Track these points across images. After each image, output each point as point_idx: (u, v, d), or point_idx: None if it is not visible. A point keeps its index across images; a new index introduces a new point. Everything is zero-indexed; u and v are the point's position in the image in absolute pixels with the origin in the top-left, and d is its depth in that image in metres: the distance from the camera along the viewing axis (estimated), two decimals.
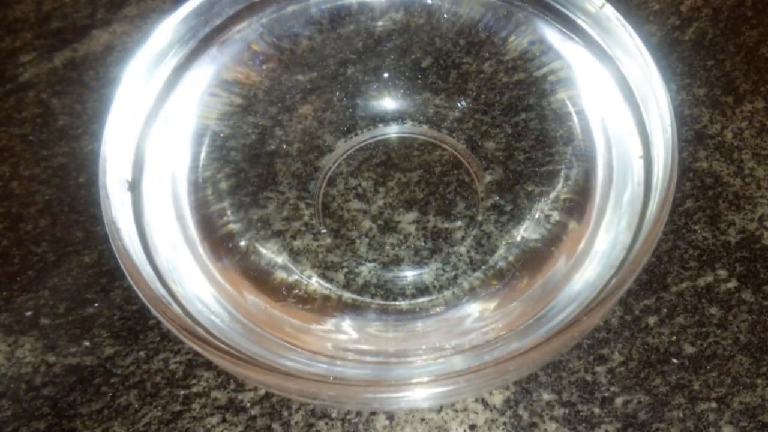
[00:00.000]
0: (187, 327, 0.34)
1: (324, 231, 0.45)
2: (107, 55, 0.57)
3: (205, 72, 0.45)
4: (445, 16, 0.48)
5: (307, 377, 0.32)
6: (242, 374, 0.34)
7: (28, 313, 0.45)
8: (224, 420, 0.41)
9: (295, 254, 0.43)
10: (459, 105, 0.48)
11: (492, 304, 0.41)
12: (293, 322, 0.41)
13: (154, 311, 0.34)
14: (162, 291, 0.35)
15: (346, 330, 0.41)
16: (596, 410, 0.41)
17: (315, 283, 0.42)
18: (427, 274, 0.43)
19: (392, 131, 0.48)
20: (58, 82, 0.55)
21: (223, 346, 0.34)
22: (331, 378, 0.33)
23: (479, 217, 0.44)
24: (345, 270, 0.43)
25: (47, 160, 0.51)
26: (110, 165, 0.38)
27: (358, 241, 0.44)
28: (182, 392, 0.42)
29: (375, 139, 0.48)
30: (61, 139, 0.52)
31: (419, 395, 0.34)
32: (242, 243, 0.43)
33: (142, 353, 0.44)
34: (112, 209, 0.36)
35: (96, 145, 0.52)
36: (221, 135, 0.45)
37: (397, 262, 0.44)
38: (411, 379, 0.33)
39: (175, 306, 0.35)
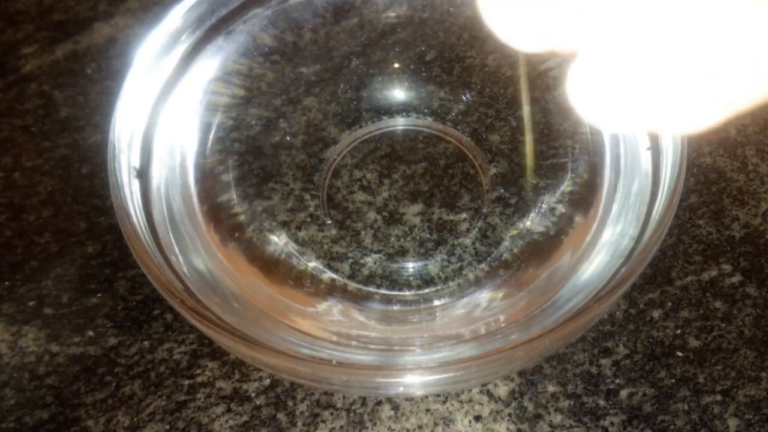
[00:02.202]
0: (199, 311, 0.34)
1: (329, 222, 0.45)
2: (109, 47, 0.57)
3: (211, 63, 0.45)
4: (449, 9, 0.48)
5: (318, 362, 0.32)
6: (253, 357, 0.34)
7: (32, 303, 0.45)
8: (229, 410, 0.41)
9: (300, 245, 0.43)
10: (463, 98, 0.48)
11: (498, 295, 0.41)
12: (299, 310, 0.41)
13: (165, 295, 0.34)
14: (171, 276, 0.35)
15: (351, 319, 0.41)
16: (601, 402, 0.41)
17: (320, 273, 0.42)
18: (432, 265, 0.43)
19: (397, 123, 0.48)
20: (60, 74, 0.55)
21: (233, 329, 0.34)
22: (334, 362, 0.33)
23: (484, 210, 0.44)
24: (350, 261, 0.43)
25: (50, 151, 0.51)
26: (119, 152, 0.38)
27: (363, 232, 0.44)
28: (187, 382, 0.42)
29: (380, 132, 0.48)
30: (64, 131, 0.52)
31: (426, 381, 0.34)
32: (248, 233, 0.43)
33: (146, 343, 0.43)
34: (121, 195, 0.36)
35: (98, 137, 0.51)
36: (226, 127, 0.45)
37: (402, 253, 0.44)
38: (417, 365, 0.33)
39: (184, 292, 0.35)
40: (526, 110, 0.46)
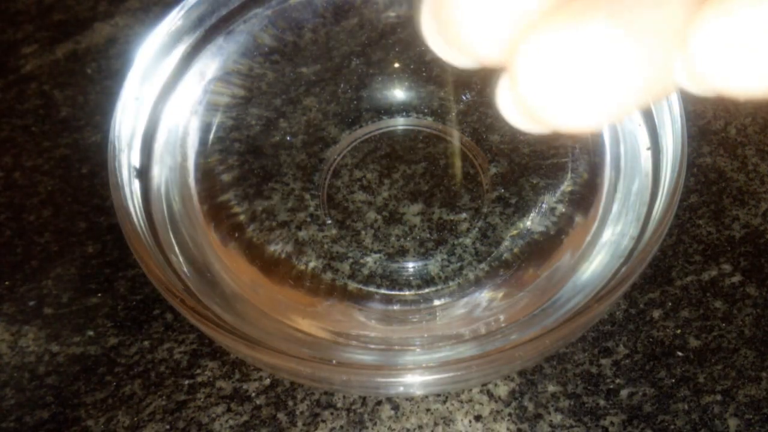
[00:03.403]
0: (199, 311, 0.34)
1: (329, 222, 0.45)
2: (109, 47, 0.57)
3: (211, 63, 0.45)
4: None
5: (318, 362, 0.32)
6: (253, 357, 0.34)
7: (32, 303, 0.45)
8: (229, 409, 0.41)
9: (300, 245, 0.43)
10: (464, 98, 0.48)
11: (498, 295, 0.41)
12: (299, 310, 0.41)
13: (165, 295, 0.34)
14: (172, 276, 0.35)
15: (351, 319, 0.41)
16: (601, 402, 0.41)
17: (320, 273, 0.42)
18: (432, 265, 0.43)
19: (397, 123, 0.48)
20: (60, 74, 0.55)
21: (233, 329, 0.34)
22: (334, 362, 0.33)
23: (484, 209, 0.44)
24: (350, 260, 0.43)
25: (50, 151, 0.51)
26: (119, 152, 0.38)
27: (363, 232, 0.44)
28: (187, 382, 0.42)
29: (380, 131, 0.48)
30: (64, 131, 0.52)
31: (426, 381, 0.34)
32: (248, 233, 0.43)
33: (146, 343, 0.43)
34: (122, 194, 0.36)
35: (98, 137, 0.51)
36: (226, 127, 0.45)
37: (402, 253, 0.44)
38: (417, 365, 0.33)
39: (184, 291, 0.35)
40: None
